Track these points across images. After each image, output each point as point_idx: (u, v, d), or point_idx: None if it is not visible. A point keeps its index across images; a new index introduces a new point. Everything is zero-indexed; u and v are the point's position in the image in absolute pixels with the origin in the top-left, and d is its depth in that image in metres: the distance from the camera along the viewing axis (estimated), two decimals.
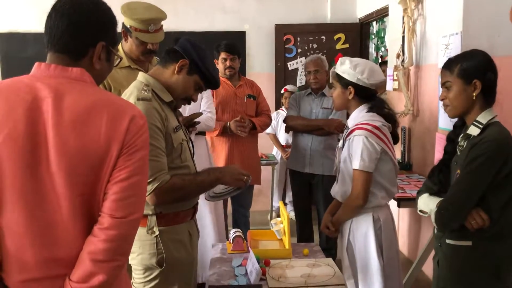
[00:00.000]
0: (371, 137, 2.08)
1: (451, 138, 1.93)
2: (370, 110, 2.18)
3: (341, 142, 2.28)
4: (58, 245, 1.19)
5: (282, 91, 5.00)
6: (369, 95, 2.21)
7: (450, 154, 1.91)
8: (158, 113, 1.75)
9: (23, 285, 1.20)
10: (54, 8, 1.24)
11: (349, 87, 2.17)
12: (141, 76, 1.87)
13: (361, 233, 2.20)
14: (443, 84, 1.86)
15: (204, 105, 3.29)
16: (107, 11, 1.30)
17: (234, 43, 3.68)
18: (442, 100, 1.88)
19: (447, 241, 1.84)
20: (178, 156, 1.82)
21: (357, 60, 2.22)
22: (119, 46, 2.54)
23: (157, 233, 1.78)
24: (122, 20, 2.40)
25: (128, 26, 2.48)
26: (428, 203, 1.88)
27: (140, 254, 1.78)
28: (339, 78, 2.20)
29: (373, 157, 2.09)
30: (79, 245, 1.19)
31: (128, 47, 2.54)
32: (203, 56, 1.84)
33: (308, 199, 3.71)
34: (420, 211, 1.92)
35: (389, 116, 2.21)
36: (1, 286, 1.21)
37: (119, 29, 1.41)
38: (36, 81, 1.20)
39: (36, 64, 1.24)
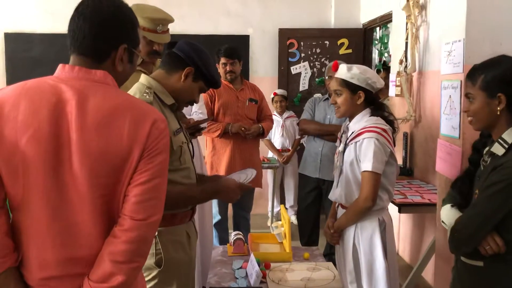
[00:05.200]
0: (381, 139, 2.11)
1: (477, 148, 1.81)
2: (373, 114, 2.21)
3: (341, 146, 2.28)
4: (78, 245, 1.21)
5: (272, 95, 5.00)
6: (373, 100, 2.24)
7: (475, 165, 1.78)
8: None
9: (43, 283, 1.22)
10: (77, 10, 1.26)
11: (359, 92, 2.19)
12: (143, 78, 1.88)
13: (367, 236, 2.20)
14: (465, 95, 1.73)
15: (196, 106, 3.31)
16: (129, 13, 1.31)
17: (234, 47, 3.69)
18: (465, 111, 1.75)
19: (461, 258, 1.73)
20: (177, 158, 1.83)
21: (360, 65, 2.25)
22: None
23: (155, 233, 1.79)
24: None
25: None
26: (448, 216, 1.76)
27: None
28: (346, 84, 2.20)
29: (383, 159, 2.12)
30: (99, 245, 1.21)
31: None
32: (207, 62, 1.86)
33: (316, 204, 3.71)
34: (443, 221, 1.82)
35: (390, 121, 2.23)
36: (21, 283, 1.23)
37: None
38: (61, 83, 1.21)
39: (60, 65, 1.26)
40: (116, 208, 1.22)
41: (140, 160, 1.20)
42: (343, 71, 2.21)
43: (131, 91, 1.85)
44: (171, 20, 2.56)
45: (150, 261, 1.79)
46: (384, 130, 2.13)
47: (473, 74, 1.69)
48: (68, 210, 1.19)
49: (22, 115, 1.16)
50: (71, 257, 1.21)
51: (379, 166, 2.09)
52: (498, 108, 1.62)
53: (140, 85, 1.85)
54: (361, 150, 2.13)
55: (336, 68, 2.27)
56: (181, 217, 1.88)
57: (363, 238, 2.20)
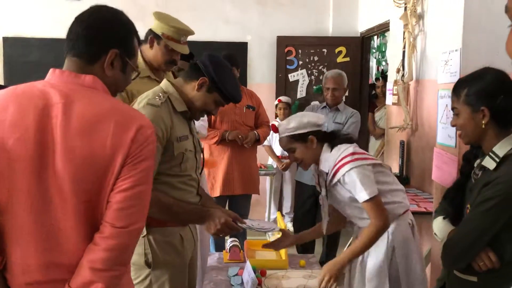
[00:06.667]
0: (356, 164, 2.00)
1: (468, 158, 1.77)
2: (333, 146, 2.10)
3: (323, 191, 2.15)
4: (60, 250, 1.20)
5: (276, 102, 5.03)
6: (324, 135, 2.16)
7: (466, 176, 1.75)
8: (163, 121, 1.78)
9: None
10: (76, 17, 1.29)
11: (309, 137, 2.10)
12: (164, 82, 1.93)
13: (402, 240, 2.10)
14: (451, 109, 1.72)
15: None
16: (125, 22, 1.33)
17: (232, 54, 3.70)
18: (453, 126, 1.73)
19: (454, 272, 1.69)
20: (177, 164, 1.84)
21: (296, 114, 2.19)
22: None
23: (145, 233, 1.81)
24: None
25: (160, 33, 2.49)
26: (440, 229, 1.75)
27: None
28: (294, 138, 2.11)
29: (371, 179, 2.02)
30: (81, 251, 1.20)
31: (153, 54, 2.54)
32: (222, 75, 1.88)
33: (313, 211, 3.70)
34: (435, 234, 1.80)
35: (349, 139, 2.15)
36: (5, 287, 1.22)
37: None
38: (49, 87, 1.22)
39: (51, 70, 1.26)
40: (100, 214, 1.21)
41: (123, 166, 1.18)
42: (284, 129, 2.13)
43: (147, 92, 1.89)
44: (192, 33, 2.61)
45: (140, 260, 1.82)
46: (352, 154, 2.03)
47: (457, 88, 1.68)
48: (52, 215, 1.18)
49: (10, 118, 1.17)
50: (53, 262, 1.20)
51: (372, 189, 1.99)
52: (483, 122, 1.59)
53: (158, 88, 1.90)
54: (350, 187, 2.02)
55: (276, 130, 2.19)
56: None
57: (398, 242, 2.09)
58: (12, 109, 1.18)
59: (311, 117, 2.15)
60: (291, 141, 2.13)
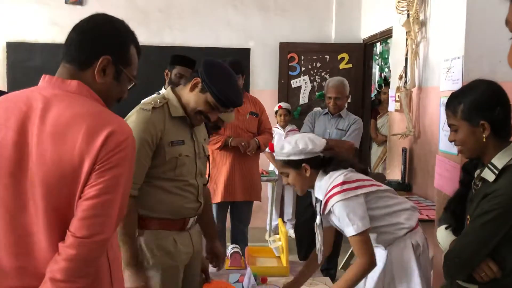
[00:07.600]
0: (344, 196, 1.91)
1: (467, 170, 1.76)
2: (326, 172, 2.02)
3: (318, 218, 2.07)
4: (31, 256, 1.18)
5: (276, 108, 5.03)
6: (323, 161, 2.05)
7: (466, 187, 1.74)
8: (154, 125, 1.80)
9: None
10: (75, 24, 1.29)
11: (303, 165, 2.00)
12: (167, 89, 1.97)
13: (402, 266, 2.02)
14: (448, 125, 1.71)
15: None
16: (122, 30, 1.32)
17: (238, 61, 3.69)
18: (451, 141, 1.72)
19: (457, 279, 1.69)
20: (172, 169, 1.86)
21: (293, 137, 2.08)
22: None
23: (136, 234, 1.82)
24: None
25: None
26: (443, 238, 1.75)
27: (123, 254, 1.78)
28: (287, 163, 2.03)
29: (361, 212, 1.91)
30: (51, 259, 1.17)
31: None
32: (213, 74, 1.87)
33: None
34: (439, 243, 1.79)
35: (346, 163, 2.05)
36: None
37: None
38: (36, 93, 1.22)
39: (43, 76, 1.27)
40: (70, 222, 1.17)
41: (91, 173, 1.14)
42: (278, 152, 2.05)
43: (146, 99, 1.93)
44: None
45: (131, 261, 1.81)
46: (342, 183, 1.93)
47: (452, 103, 1.67)
48: (25, 220, 1.17)
49: None
50: (27, 268, 1.19)
51: (360, 223, 1.89)
52: (484, 135, 1.59)
53: (160, 95, 1.95)
54: (338, 219, 1.95)
55: (273, 150, 2.12)
56: (168, 224, 1.88)
57: (397, 267, 2.00)
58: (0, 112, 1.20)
59: (306, 144, 2.00)
60: (284, 166, 2.05)
